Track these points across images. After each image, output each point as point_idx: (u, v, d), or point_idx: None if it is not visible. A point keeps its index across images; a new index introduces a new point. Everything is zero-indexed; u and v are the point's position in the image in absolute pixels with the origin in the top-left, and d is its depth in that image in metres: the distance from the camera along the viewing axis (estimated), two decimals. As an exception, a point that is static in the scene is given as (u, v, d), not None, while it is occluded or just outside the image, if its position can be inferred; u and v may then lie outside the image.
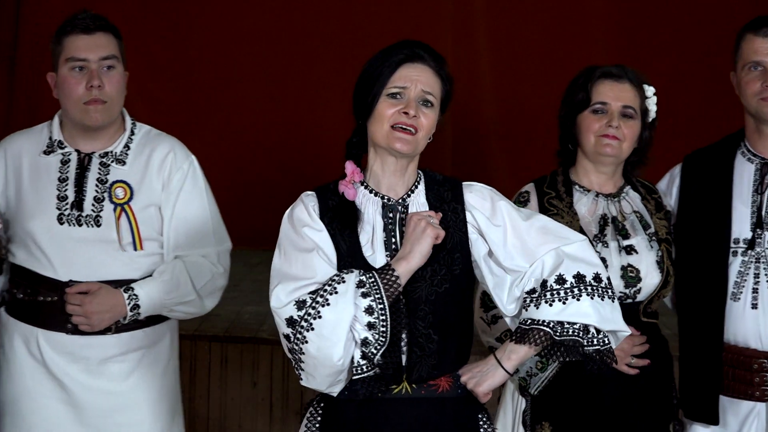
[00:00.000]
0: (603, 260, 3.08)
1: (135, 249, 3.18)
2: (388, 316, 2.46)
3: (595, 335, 2.52)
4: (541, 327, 2.51)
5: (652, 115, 3.21)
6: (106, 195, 3.17)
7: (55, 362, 3.16)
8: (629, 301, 3.11)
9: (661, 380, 3.18)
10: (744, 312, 3.12)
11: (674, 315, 3.34)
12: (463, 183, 2.65)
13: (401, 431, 2.55)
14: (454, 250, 2.58)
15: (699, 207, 3.20)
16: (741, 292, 3.12)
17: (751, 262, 3.13)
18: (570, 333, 2.50)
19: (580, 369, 2.59)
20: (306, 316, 2.45)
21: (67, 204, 3.16)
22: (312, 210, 2.57)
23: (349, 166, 2.60)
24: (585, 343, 2.51)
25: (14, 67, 6.79)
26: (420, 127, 2.55)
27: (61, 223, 3.16)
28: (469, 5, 6.96)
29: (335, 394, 2.54)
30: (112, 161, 3.21)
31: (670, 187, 3.31)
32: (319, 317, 2.44)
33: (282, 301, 2.48)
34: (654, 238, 3.16)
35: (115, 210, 3.16)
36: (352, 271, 2.50)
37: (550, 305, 2.51)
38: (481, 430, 2.62)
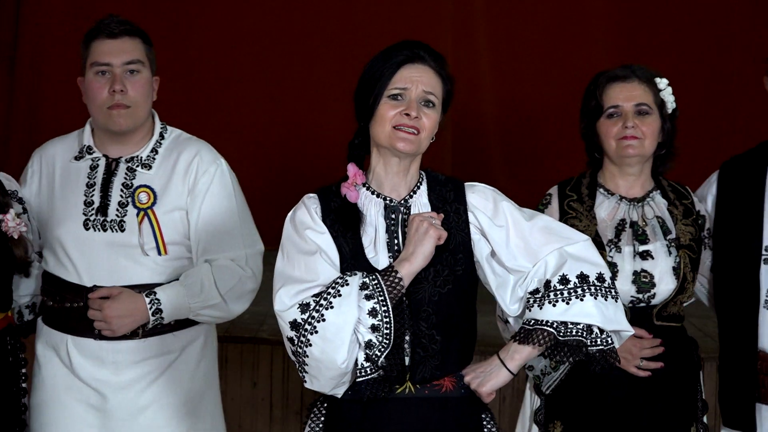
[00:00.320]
0: (613, 265, 3.09)
1: (159, 254, 3.15)
2: (392, 319, 2.46)
3: (599, 335, 2.52)
4: (545, 327, 2.51)
5: (671, 105, 3.20)
6: (130, 200, 3.16)
7: (83, 367, 3.15)
8: (642, 305, 3.12)
9: (681, 383, 3.17)
10: None
11: (708, 317, 3.33)
12: (466, 183, 2.65)
13: (404, 431, 2.55)
14: (456, 251, 2.57)
15: (732, 214, 3.19)
16: None
17: None
18: (573, 333, 2.50)
19: (592, 370, 2.60)
20: (310, 320, 2.44)
21: (93, 209, 3.16)
22: (314, 212, 2.57)
23: (351, 169, 2.60)
24: (588, 343, 2.51)
25: (14, 67, 6.79)
26: (422, 127, 2.55)
27: (87, 229, 3.14)
28: (469, 5, 6.96)
29: (339, 396, 2.54)
30: (138, 166, 3.19)
31: (706, 192, 3.31)
32: (323, 320, 2.44)
33: (286, 305, 2.48)
34: (674, 244, 3.16)
35: (138, 214, 3.16)
36: (355, 274, 2.49)
37: (554, 305, 2.51)
38: (485, 430, 2.62)
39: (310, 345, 2.44)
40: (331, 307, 2.44)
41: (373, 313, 2.45)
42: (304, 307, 2.46)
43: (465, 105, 6.50)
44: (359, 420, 2.55)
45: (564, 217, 3.18)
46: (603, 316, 2.52)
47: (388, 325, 2.46)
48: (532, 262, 2.56)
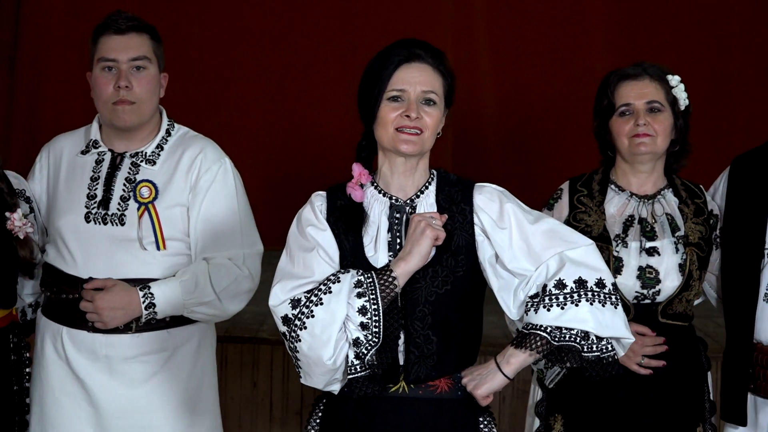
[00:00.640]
0: (619, 260, 3.10)
1: (158, 249, 3.16)
2: (381, 317, 2.47)
3: (596, 342, 2.52)
4: (539, 332, 2.52)
5: (683, 102, 3.23)
6: (131, 194, 3.17)
7: (77, 360, 3.17)
8: (647, 301, 3.13)
9: (686, 383, 3.18)
10: None
11: (709, 317, 3.35)
12: (476, 184, 2.65)
13: (397, 430, 2.55)
14: (458, 252, 2.57)
15: (739, 209, 3.21)
16: None
17: None
18: (568, 339, 2.50)
19: (587, 376, 2.60)
20: (300, 315, 2.46)
21: (95, 202, 3.18)
22: (318, 210, 2.59)
23: (356, 168, 2.61)
24: (584, 350, 2.51)
25: (14, 67, 6.78)
26: (424, 127, 2.55)
27: (88, 222, 3.17)
28: (469, 5, 6.95)
29: (336, 393, 2.55)
30: (143, 161, 3.21)
31: (716, 187, 3.33)
32: (312, 316, 2.45)
33: (279, 299, 2.51)
34: (681, 241, 3.17)
35: (138, 209, 3.15)
36: (348, 271, 2.50)
37: (548, 310, 2.51)
38: (482, 433, 2.62)
39: (300, 340, 2.46)
40: (321, 304, 2.45)
41: (362, 310, 2.46)
42: (295, 302, 2.47)
43: (465, 105, 6.49)
44: (353, 418, 2.56)
45: (573, 212, 3.20)
46: (598, 322, 2.51)
47: (377, 324, 2.47)
48: (535, 266, 2.56)
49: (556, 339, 2.51)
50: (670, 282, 3.15)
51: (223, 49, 6.91)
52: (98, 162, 3.23)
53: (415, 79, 2.57)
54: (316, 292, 2.48)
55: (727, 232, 3.24)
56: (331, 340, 2.46)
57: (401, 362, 2.55)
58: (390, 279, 2.50)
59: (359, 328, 2.46)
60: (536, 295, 2.56)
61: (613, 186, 3.26)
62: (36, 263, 3.24)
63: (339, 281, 2.48)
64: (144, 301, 3.11)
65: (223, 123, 6.71)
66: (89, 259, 3.16)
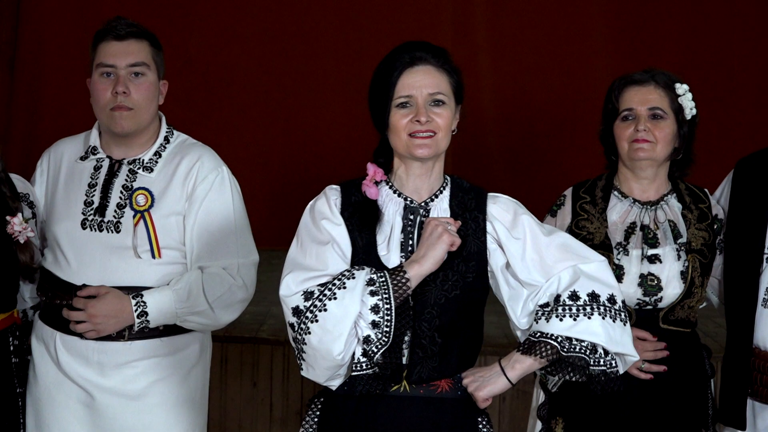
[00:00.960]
0: (620, 268, 3.10)
1: (153, 257, 3.15)
2: (393, 317, 2.47)
3: (603, 356, 2.52)
4: (549, 341, 2.53)
5: (689, 111, 3.20)
6: (128, 202, 3.17)
7: (69, 365, 3.16)
8: (649, 308, 3.12)
9: (688, 389, 3.17)
10: None
11: (708, 317, 3.35)
12: (489, 194, 2.66)
13: (397, 429, 2.56)
14: (469, 259, 2.58)
15: (741, 212, 3.21)
16: None
17: None
18: (577, 350, 2.51)
19: (592, 390, 2.60)
20: (312, 308, 2.46)
21: (91, 209, 3.17)
22: (333, 204, 2.59)
23: (371, 167, 2.62)
24: (591, 363, 2.52)
25: (14, 67, 6.78)
26: (437, 129, 2.56)
27: (84, 228, 3.16)
28: (469, 5, 6.95)
29: (334, 388, 2.55)
30: (140, 168, 3.20)
31: (722, 192, 3.32)
32: (325, 310, 2.45)
33: (291, 290, 2.50)
34: (683, 248, 3.16)
35: (134, 216, 3.15)
36: (363, 268, 2.50)
37: (561, 320, 2.52)
38: (480, 432, 2.62)
39: (309, 333, 2.45)
40: (335, 298, 2.45)
41: (375, 309, 2.46)
42: (308, 294, 2.47)
43: (465, 105, 6.50)
44: (352, 415, 2.56)
45: (576, 219, 3.19)
46: (608, 336, 2.52)
47: (389, 323, 2.47)
48: (546, 277, 2.57)
49: (566, 349, 2.52)
50: (671, 289, 3.14)
51: (224, 50, 6.91)
52: (96, 168, 3.23)
53: (421, 83, 2.57)
54: (330, 286, 2.48)
55: (730, 235, 3.24)
56: (342, 335, 2.46)
57: (404, 362, 2.55)
58: (404, 280, 2.51)
59: (370, 326, 2.46)
60: (547, 305, 2.56)
61: (616, 192, 3.26)
62: (36, 268, 3.24)
63: (354, 277, 2.48)
64: (136, 310, 3.10)
65: (223, 124, 6.72)
66: (84, 265, 3.15)
